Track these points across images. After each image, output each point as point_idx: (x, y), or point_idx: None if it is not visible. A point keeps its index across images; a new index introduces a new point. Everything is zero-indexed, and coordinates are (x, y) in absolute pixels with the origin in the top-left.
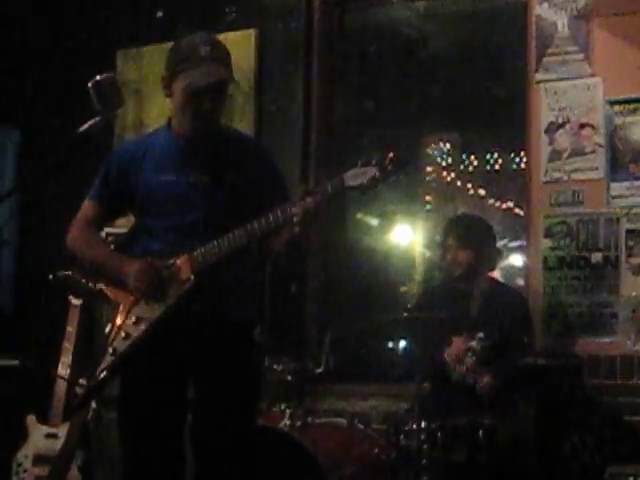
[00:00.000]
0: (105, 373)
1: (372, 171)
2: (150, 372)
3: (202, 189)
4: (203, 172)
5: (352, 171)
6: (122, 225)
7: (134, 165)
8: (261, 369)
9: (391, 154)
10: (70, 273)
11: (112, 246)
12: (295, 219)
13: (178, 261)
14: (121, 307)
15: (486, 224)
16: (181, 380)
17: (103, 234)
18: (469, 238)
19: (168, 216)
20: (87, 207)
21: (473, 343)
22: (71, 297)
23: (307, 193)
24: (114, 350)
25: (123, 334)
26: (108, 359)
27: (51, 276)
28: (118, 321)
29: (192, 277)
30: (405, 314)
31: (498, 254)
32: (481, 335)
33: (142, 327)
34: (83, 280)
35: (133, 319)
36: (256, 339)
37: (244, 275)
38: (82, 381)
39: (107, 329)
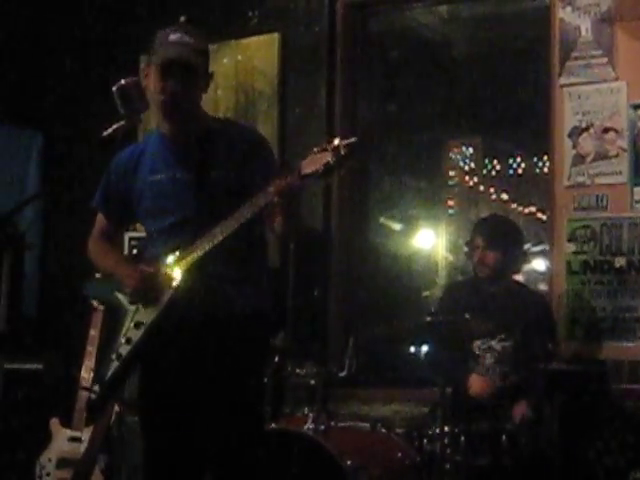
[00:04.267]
0: (109, 379)
1: (327, 157)
2: (164, 374)
3: (189, 186)
4: (189, 169)
5: (308, 158)
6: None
7: (130, 170)
8: (265, 364)
9: (345, 140)
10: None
11: (135, 250)
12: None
13: (168, 263)
14: (128, 313)
15: (516, 226)
16: (193, 379)
17: (126, 238)
18: (498, 239)
19: (160, 217)
20: (98, 218)
21: (493, 343)
22: (94, 301)
23: (271, 182)
24: (118, 356)
25: (125, 339)
26: (114, 365)
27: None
28: (124, 327)
29: (180, 277)
30: (428, 318)
31: (524, 257)
32: (502, 336)
33: (141, 331)
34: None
35: (133, 324)
36: (266, 335)
37: (245, 270)
38: (96, 388)
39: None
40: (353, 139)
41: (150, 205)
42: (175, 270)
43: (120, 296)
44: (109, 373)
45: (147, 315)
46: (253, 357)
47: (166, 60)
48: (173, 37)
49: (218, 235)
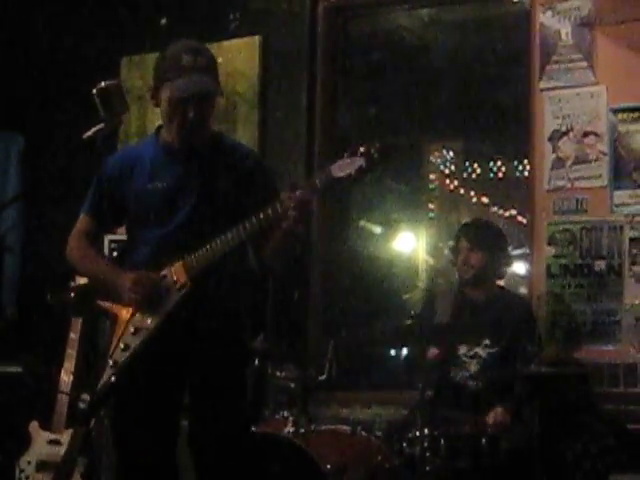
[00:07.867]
0: (106, 386)
1: (359, 161)
2: (146, 379)
3: (189, 197)
4: (190, 180)
5: (339, 162)
6: (124, 232)
7: (124, 175)
8: (247, 374)
9: (377, 144)
10: (67, 293)
11: (115, 253)
12: (287, 213)
13: (172, 268)
14: (120, 319)
15: (499, 230)
16: (176, 387)
17: (106, 241)
18: (482, 241)
19: (156, 225)
20: (81, 220)
21: (478, 349)
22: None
23: (295, 187)
24: (115, 362)
25: (122, 345)
26: (109, 372)
27: (49, 296)
28: (117, 333)
29: (188, 282)
30: (409, 321)
31: (508, 262)
32: (487, 342)
33: (141, 337)
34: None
35: (132, 330)
36: (251, 345)
37: (238, 281)
38: (85, 396)
39: (108, 342)
40: (381, 144)
41: (147, 213)
42: (179, 276)
43: (106, 304)
44: (104, 380)
45: (147, 321)
46: (241, 366)
47: (186, 94)
48: (185, 61)
49: (226, 245)
